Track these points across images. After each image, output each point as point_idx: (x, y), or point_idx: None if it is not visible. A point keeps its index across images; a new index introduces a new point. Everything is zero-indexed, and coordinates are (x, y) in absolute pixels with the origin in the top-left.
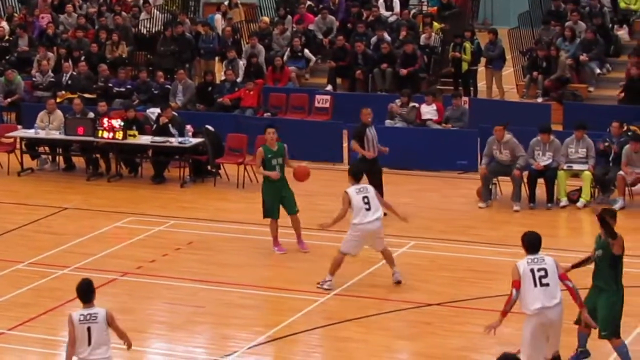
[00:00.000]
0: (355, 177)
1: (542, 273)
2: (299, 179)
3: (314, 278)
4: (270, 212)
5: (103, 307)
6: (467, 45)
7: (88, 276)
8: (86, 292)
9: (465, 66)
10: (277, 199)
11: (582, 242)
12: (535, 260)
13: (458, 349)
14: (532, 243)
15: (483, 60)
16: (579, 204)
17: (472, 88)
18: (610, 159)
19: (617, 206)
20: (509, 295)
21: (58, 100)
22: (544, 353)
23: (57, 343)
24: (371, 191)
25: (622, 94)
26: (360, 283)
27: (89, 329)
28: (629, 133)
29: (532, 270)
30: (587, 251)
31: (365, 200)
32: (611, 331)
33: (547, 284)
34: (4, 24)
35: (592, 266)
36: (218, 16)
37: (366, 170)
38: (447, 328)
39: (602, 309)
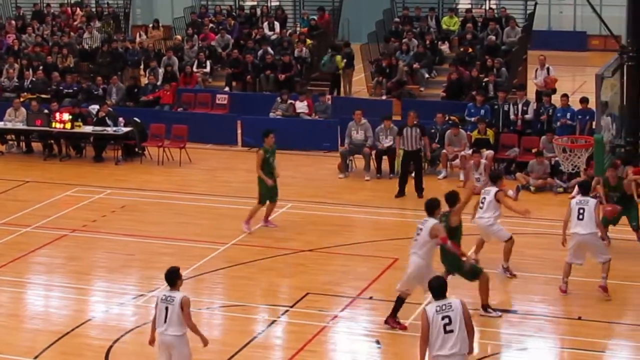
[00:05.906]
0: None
1: None
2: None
3: (216, 232)
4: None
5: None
6: (338, 57)
7: (44, 233)
8: (171, 277)
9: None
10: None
11: (414, 203)
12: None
13: (324, 283)
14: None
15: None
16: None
17: (335, 88)
18: (436, 140)
19: (441, 176)
20: None
21: (21, 99)
22: None
23: (22, 283)
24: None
25: (445, 93)
26: (252, 235)
27: (166, 308)
28: (450, 122)
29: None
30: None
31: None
32: None
33: None
34: None
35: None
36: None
37: (411, 159)
38: (316, 268)
39: None
